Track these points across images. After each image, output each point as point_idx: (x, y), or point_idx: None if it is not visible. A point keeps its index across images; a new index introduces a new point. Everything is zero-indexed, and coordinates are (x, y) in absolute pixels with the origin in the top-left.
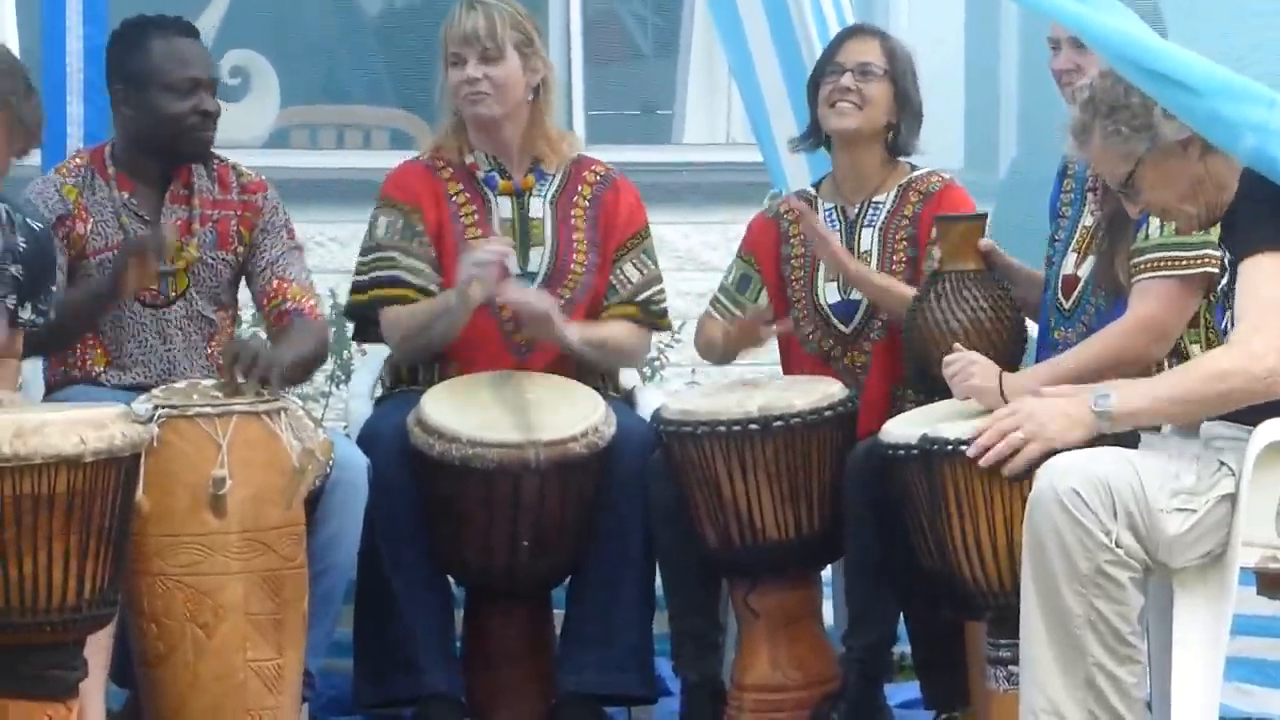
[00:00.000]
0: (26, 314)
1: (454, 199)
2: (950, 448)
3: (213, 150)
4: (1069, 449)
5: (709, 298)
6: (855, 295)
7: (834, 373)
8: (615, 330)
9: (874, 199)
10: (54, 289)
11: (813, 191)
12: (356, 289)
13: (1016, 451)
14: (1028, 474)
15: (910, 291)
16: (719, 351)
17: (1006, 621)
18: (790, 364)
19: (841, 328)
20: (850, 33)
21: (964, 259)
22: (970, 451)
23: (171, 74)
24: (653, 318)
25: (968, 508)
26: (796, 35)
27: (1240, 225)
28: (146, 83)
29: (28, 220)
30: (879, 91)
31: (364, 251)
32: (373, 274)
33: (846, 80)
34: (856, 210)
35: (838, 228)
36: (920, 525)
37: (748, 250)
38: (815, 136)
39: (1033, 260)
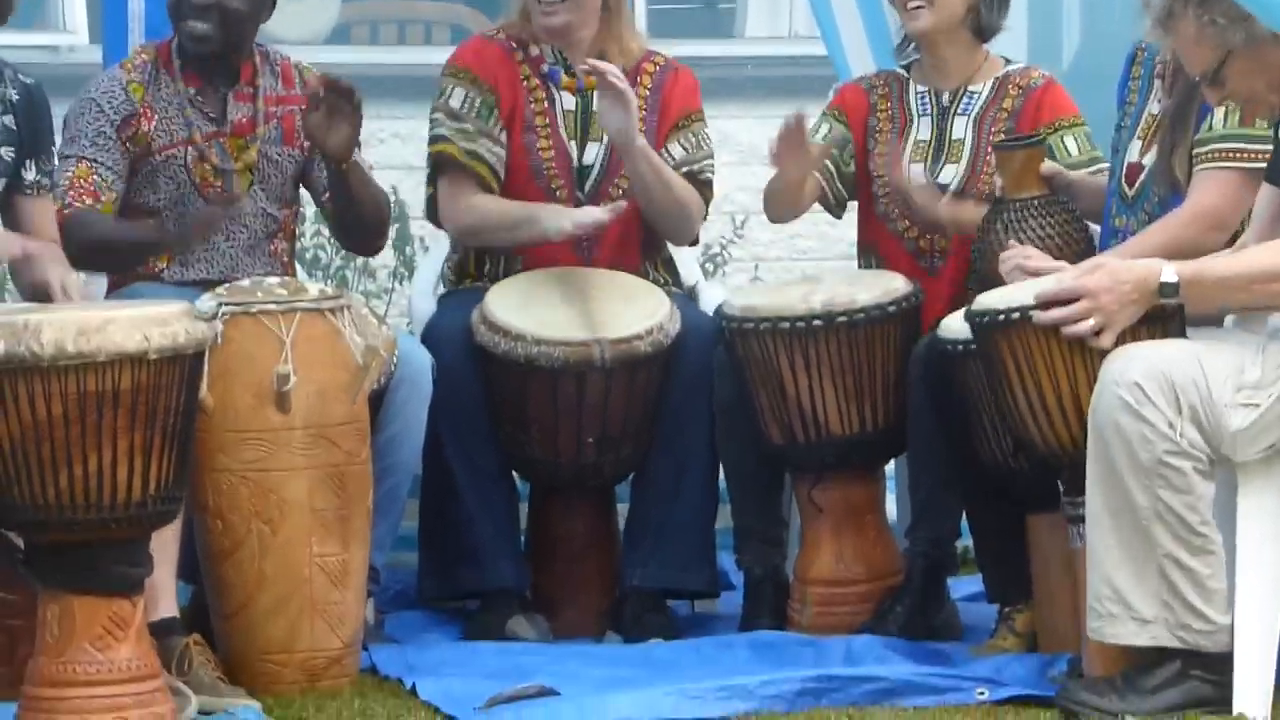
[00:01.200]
0: (31, 174)
1: (527, 83)
2: (1001, 317)
3: (265, 49)
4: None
5: None
6: (943, 178)
7: (915, 257)
8: (676, 176)
9: (970, 88)
10: (54, 149)
11: (904, 73)
12: (442, 140)
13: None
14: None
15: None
16: (782, 202)
17: (1082, 478)
18: (868, 249)
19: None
20: None
21: (1027, 186)
22: (1037, 314)
23: None
24: (699, 186)
25: (1027, 370)
26: None
27: None
28: None
29: (19, 75)
30: None
31: (440, 110)
32: (448, 137)
33: None
34: (950, 97)
35: (929, 112)
36: (980, 418)
37: (841, 110)
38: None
39: (1100, 147)
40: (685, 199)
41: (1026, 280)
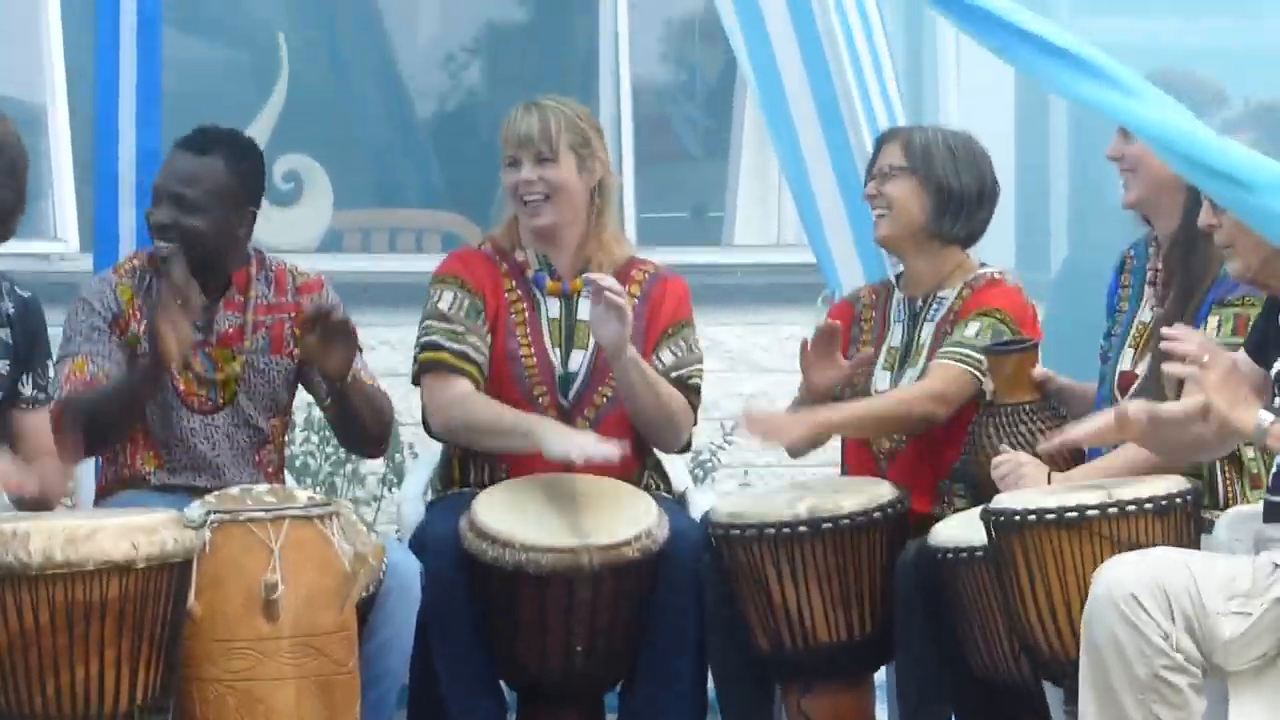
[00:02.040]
0: (28, 389)
1: (509, 293)
2: (1018, 517)
3: (264, 255)
4: (1227, 422)
5: (758, 398)
6: (904, 382)
7: (874, 455)
8: (667, 386)
9: (939, 294)
10: (50, 363)
11: (894, 281)
12: (430, 348)
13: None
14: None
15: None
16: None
17: None
18: (850, 457)
19: None
20: (879, 140)
21: (1018, 391)
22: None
23: (156, 184)
24: (687, 392)
25: (1039, 573)
26: (848, 135)
27: None
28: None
29: (15, 288)
30: (901, 189)
31: (430, 316)
32: (440, 340)
33: (870, 188)
34: (920, 303)
35: (903, 318)
36: (971, 626)
37: (833, 319)
38: None
39: (1088, 356)
40: (674, 408)
41: (1021, 485)
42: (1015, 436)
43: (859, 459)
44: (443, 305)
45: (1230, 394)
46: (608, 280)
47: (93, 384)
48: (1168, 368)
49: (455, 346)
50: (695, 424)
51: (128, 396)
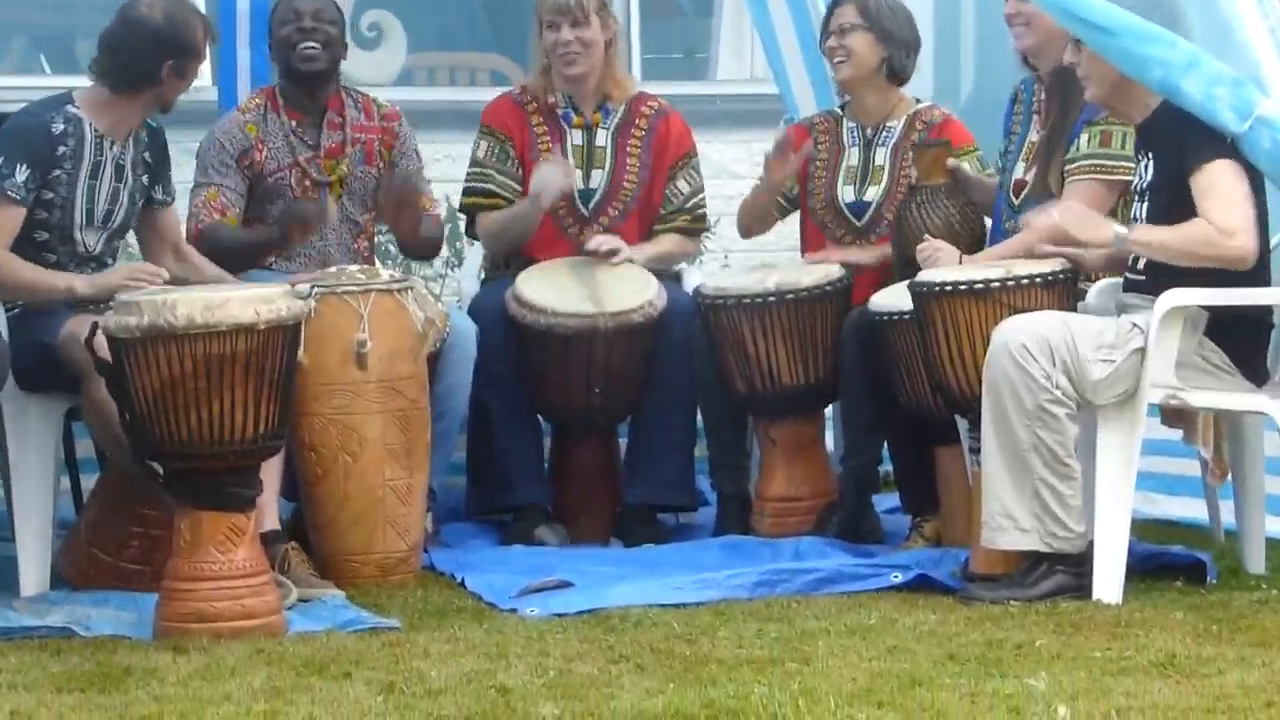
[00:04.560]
0: (159, 194)
1: (535, 129)
2: (937, 288)
3: (350, 89)
4: (1090, 240)
5: (738, 200)
6: (868, 196)
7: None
8: (667, 244)
9: (887, 123)
10: (171, 174)
11: (840, 111)
12: (466, 193)
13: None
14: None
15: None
16: (757, 198)
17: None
18: (808, 246)
19: (854, 221)
20: (834, 3)
21: (935, 176)
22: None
23: (285, 9)
24: (697, 222)
25: (952, 330)
26: None
27: (1188, 143)
28: (274, 23)
29: (147, 119)
30: (859, 41)
31: (471, 164)
32: (474, 184)
33: (832, 42)
34: (872, 131)
35: (857, 142)
36: (900, 371)
37: (785, 143)
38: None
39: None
40: (679, 254)
41: (939, 264)
42: (932, 209)
43: (816, 247)
44: (479, 154)
45: (1085, 222)
46: (599, 243)
47: (224, 211)
48: (1027, 237)
49: (483, 187)
50: (700, 244)
51: (253, 252)
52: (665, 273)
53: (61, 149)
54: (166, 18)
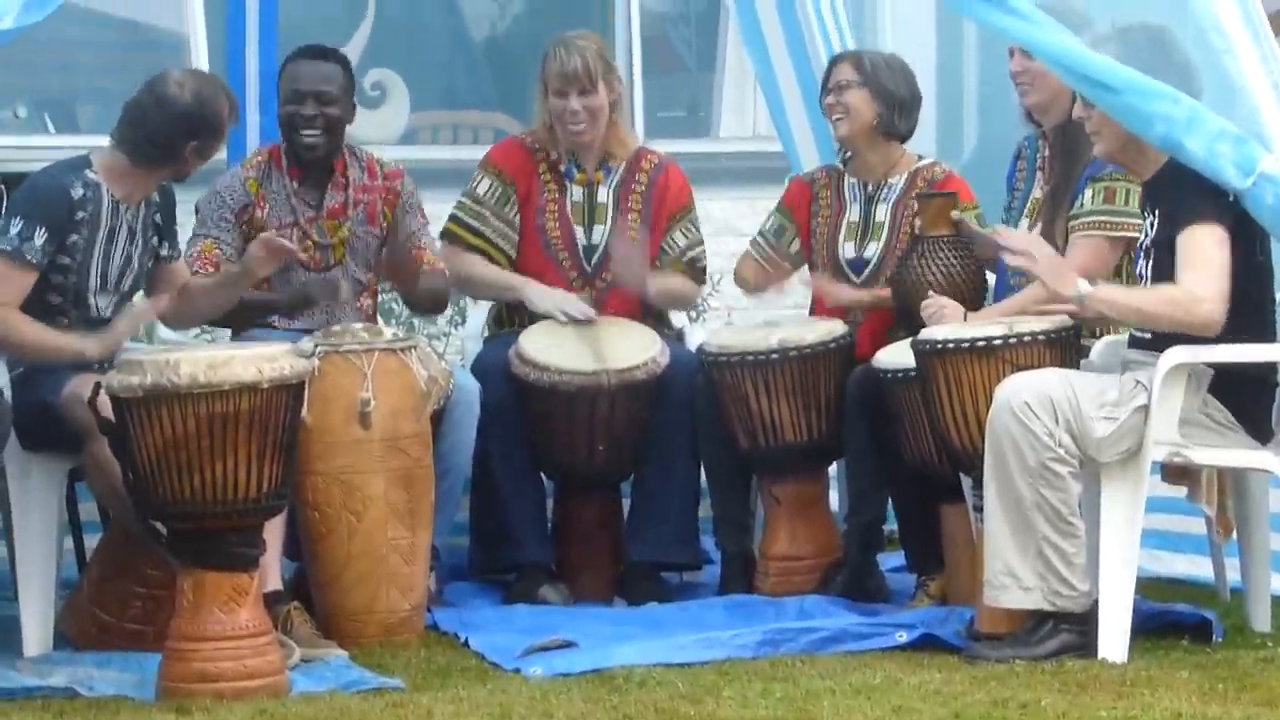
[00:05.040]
0: (165, 250)
1: (541, 178)
2: (940, 345)
3: (355, 148)
4: (1055, 293)
5: (736, 255)
6: (868, 253)
7: (847, 309)
8: (676, 281)
9: (888, 180)
10: (176, 229)
11: (841, 167)
12: (454, 220)
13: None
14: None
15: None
16: (751, 285)
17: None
18: (815, 303)
19: (854, 277)
20: (832, 61)
21: (938, 227)
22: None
23: (287, 87)
24: (697, 274)
25: (955, 388)
26: (808, 50)
27: (1180, 201)
28: (280, 90)
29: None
30: (856, 98)
31: (466, 196)
32: (466, 218)
33: (830, 99)
34: (873, 187)
35: (858, 199)
36: (904, 429)
37: (786, 206)
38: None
39: (990, 221)
40: (685, 294)
41: (943, 321)
42: (935, 260)
43: (821, 305)
44: (480, 190)
45: (1055, 274)
46: (626, 243)
47: (218, 264)
48: (1009, 259)
49: (475, 225)
50: (702, 294)
51: (254, 312)
52: (667, 331)
53: (80, 214)
54: (195, 97)
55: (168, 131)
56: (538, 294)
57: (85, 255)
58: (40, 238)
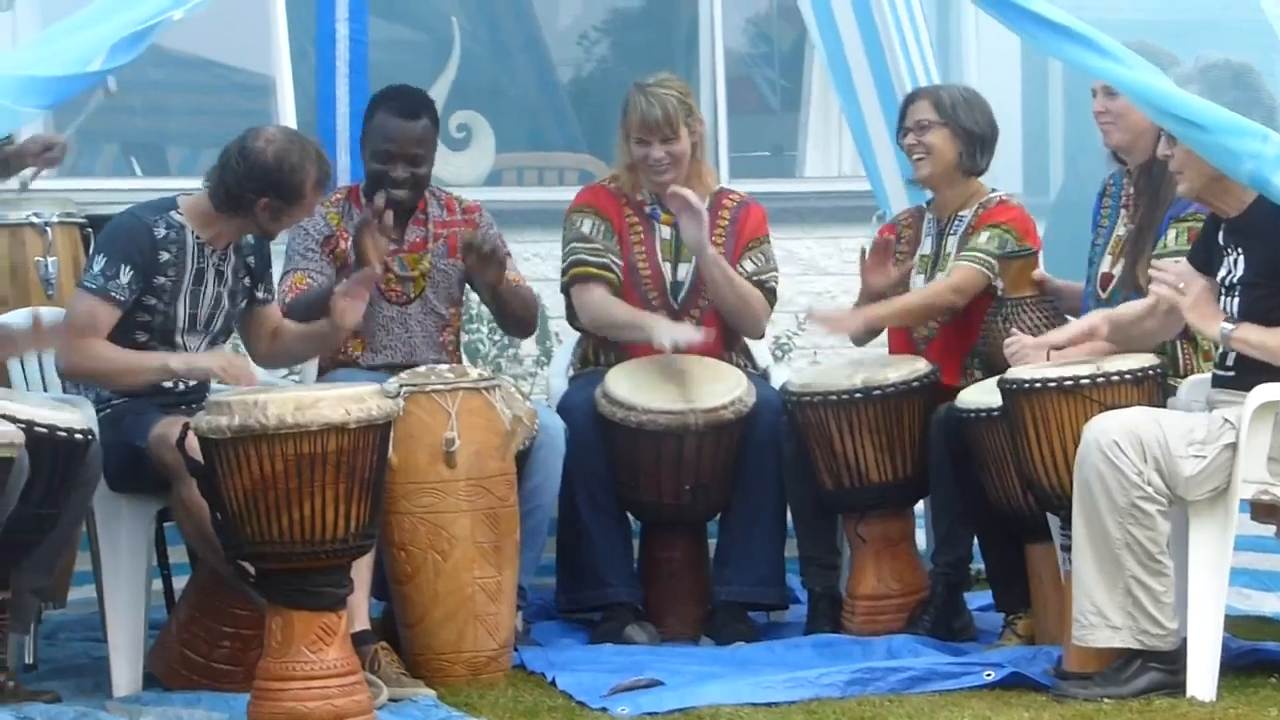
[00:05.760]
0: (260, 293)
1: (628, 218)
2: (1027, 385)
3: (434, 188)
4: (1200, 330)
5: (824, 295)
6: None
7: (913, 340)
8: (740, 278)
9: (960, 213)
10: (271, 273)
11: (926, 206)
12: (576, 264)
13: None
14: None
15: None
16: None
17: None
18: (892, 341)
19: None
20: (909, 99)
21: (1021, 288)
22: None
23: (378, 144)
24: (766, 293)
25: (1043, 427)
26: (894, 87)
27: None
28: (366, 145)
29: None
30: (937, 138)
31: (574, 239)
32: (586, 255)
33: (910, 139)
34: (945, 221)
35: (932, 233)
36: (989, 468)
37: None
38: None
39: (1076, 259)
40: (748, 296)
41: (1026, 361)
42: (1019, 323)
43: (900, 343)
44: (584, 229)
45: (1201, 310)
46: (685, 190)
47: (309, 294)
48: (1157, 289)
49: (597, 259)
50: (770, 316)
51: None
52: (752, 370)
53: (165, 255)
54: (276, 158)
55: (242, 184)
56: (662, 329)
57: (172, 296)
58: (125, 275)
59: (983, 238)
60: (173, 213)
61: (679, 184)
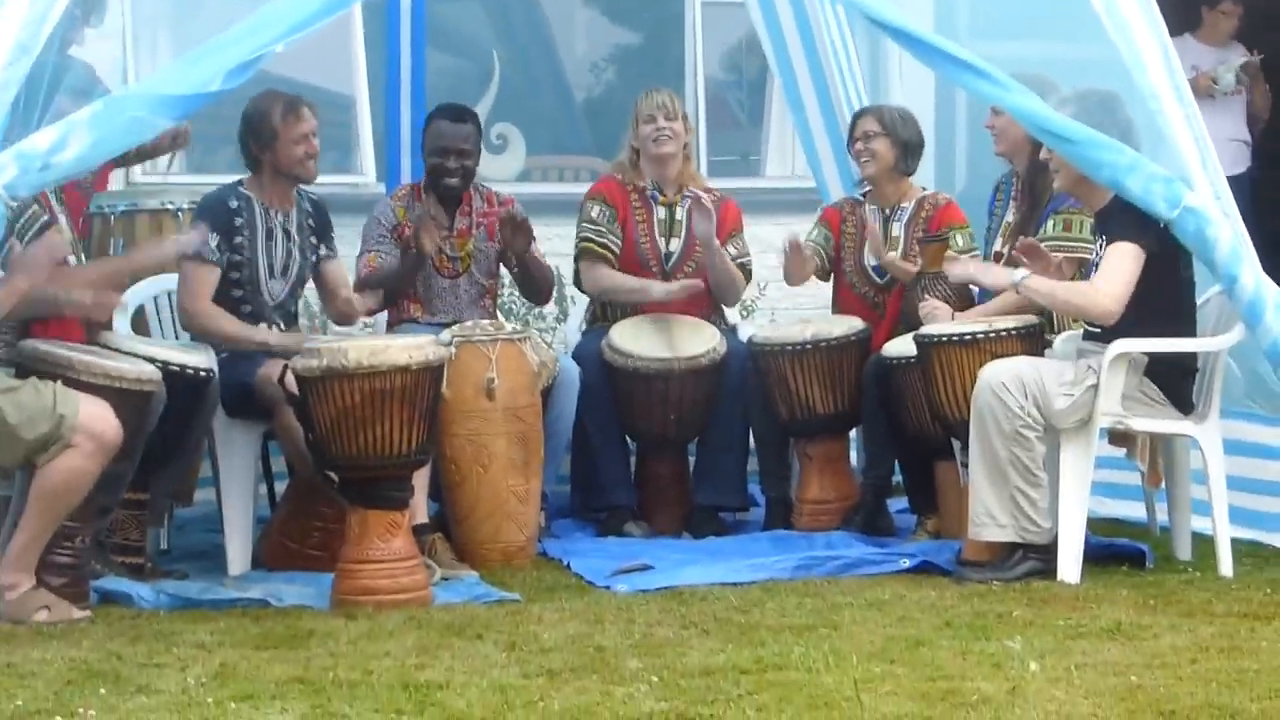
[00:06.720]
0: (324, 250)
1: (633, 203)
2: (936, 339)
3: (477, 184)
4: (996, 283)
5: (778, 268)
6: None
7: (868, 307)
8: (732, 264)
9: (900, 205)
10: (333, 235)
11: (862, 198)
12: (585, 241)
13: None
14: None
15: (908, 268)
16: (794, 266)
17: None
18: (839, 302)
19: (878, 279)
20: (856, 115)
21: (936, 265)
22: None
23: (434, 142)
24: (745, 273)
25: (948, 372)
26: (834, 107)
27: (1114, 224)
28: (426, 146)
29: (308, 194)
30: (880, 145)
31: (585, 221)
32: (593, 236)
33: (859, 146)
34: (889, 211)
35: (878, 220)
36: (907, 404)
37: (825, 222)
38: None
39: (975, 241)
40: (736, 277)
41: (937, 320)
42: (934, 292)
43: (846, 305)
44: (593, 214)
45: (991, 273)
46: (705, 198)
47: (379, 270)
48: (951, 274)
49: (600, 239)
50: (745, 288)
51: (402, 275)
52: (724, 326)
53: (239, 220)
54: (248, 113)
55: (245, 145)
56: (660, 289)
57: (252, 252)
58: (214, 240)
59: (960, 239)
60: (239, 188)
61: (676, 163)
